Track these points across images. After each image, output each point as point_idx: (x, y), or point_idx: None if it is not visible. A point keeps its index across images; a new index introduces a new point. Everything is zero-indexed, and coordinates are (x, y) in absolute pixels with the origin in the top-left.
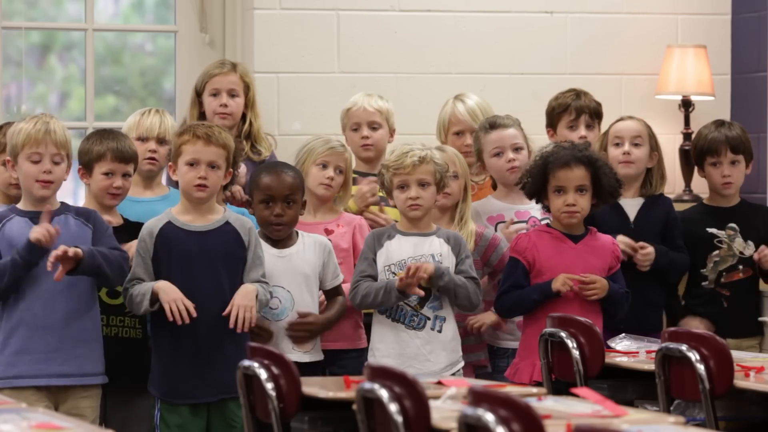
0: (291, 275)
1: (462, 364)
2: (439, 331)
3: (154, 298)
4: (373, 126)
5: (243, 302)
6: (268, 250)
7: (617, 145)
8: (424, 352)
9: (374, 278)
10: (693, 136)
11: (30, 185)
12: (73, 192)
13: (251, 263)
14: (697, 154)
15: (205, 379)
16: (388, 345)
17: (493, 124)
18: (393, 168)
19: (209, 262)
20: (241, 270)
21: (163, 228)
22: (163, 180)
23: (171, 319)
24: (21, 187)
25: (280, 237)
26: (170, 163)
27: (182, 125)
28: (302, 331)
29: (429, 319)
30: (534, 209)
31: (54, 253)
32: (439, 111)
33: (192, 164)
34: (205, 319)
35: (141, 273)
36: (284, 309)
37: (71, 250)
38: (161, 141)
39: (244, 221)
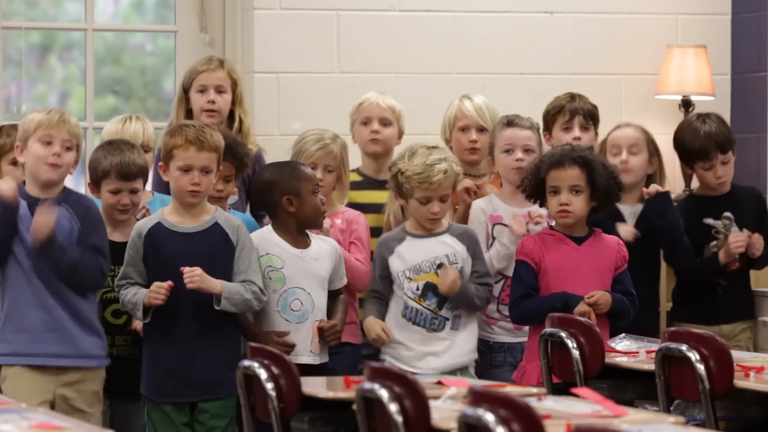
0: (310, 277)
1: (475, 355)
2: (457, 329)
3: (146, 308)
4: (384, 122)
5: (201, 273)
6: (289, 250)
7: (615, 154)
8: (446, 349)
9: (383, 296)
10: (674, 132)
11: (38, 167)
12: None
13: (238, 264)
14: (684, 155)
15: (189, 379)
16: (407, 344)
17: (510, 122)
18: (417, 180)
19: (195, 264)
20: (229, 271)
21: (152, 228)
22: (148, 186)
23: (159, 301)
24: (26, 171)
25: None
26: (161, 163)
27: (172, 125)
28: (332, 335)
29: (448, 319)
30: None
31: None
32: (444, 111)
33: (185, 170)
34: (190, 320)
35: (131, 272)
36: (305, 311)
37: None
38: (144, 149)
39: (233, 220)
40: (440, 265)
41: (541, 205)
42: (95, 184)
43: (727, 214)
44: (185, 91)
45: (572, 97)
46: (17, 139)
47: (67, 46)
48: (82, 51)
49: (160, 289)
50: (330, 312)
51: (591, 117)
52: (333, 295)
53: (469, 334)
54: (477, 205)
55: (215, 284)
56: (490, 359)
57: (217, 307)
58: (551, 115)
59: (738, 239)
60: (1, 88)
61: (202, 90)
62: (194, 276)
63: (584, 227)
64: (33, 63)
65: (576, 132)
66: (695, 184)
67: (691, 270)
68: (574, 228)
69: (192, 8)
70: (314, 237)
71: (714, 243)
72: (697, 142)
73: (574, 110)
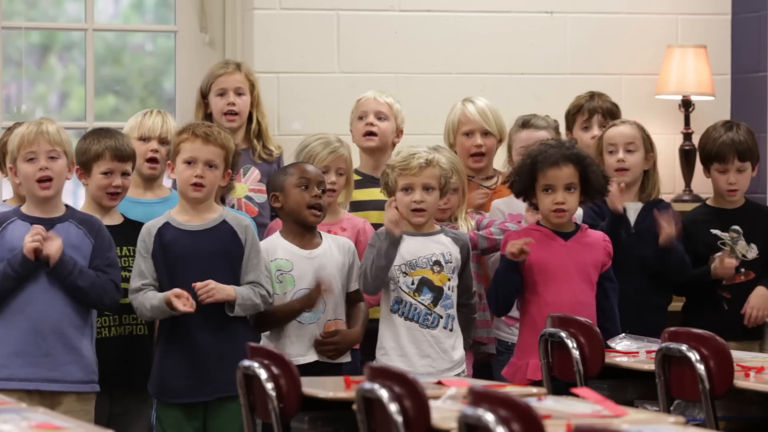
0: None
1: (464, 365)
2: (451, 330)
3: (171, 306)
4: (380, 116)
5: (215, 285)
6: (295, 252)
7: (611, 152)
8: (438, 350)
9: None
10: (701, 136)
11: (30, 186)
12: (73, 192)
13: (247, 263)
14: (704, 157)
15: (201, 378)
16: (400, 344)
17: (526, 123)
18: (399, 168)
19: (205, 262)
20: (237, 269)
21: (161, 228)
22: (166, 182)
23: (193, 309)
24: (25, 192)
25: (317, 223)
26: (169, 162)
27: (183, 125)
28: (331, 350)
29: (442, 317)
30: None
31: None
32: (444, 111)
33: (189, 163)
34: (201, 319)
35: (146, 272)
36: (318, 311)
37: (53, 247)
38: (163, 141)
39: (241, 220)
40: (437, 263)
41: (524, 200)
42: (85, 168)
43: (736, 227)
44: (204, 96)
45: (592, 95)
46: (9, 161)
47: (67, 46)
48: (82, 51)
49: (183, 299)
50: (349, 320)
51: (611, 115)
52: (353, 300)
53: (459, 338)
54: (495, 205)
55: (229, 292)
56: (508, 360)
57: (230, 314)
58: (571, 115)
59: (730, 264)
60: (1, 88)
61: (222, 93)
62: (210, 290)
63: (571, 223)
64: (33, 63)
65: (595, 131)
66: (695, 184)
67: (684, 281)
68: (562, 224)
69: (192, 8)
70: (327, 236)
71: (719, 254)
72: (717, 143)
73: (592, 109)
